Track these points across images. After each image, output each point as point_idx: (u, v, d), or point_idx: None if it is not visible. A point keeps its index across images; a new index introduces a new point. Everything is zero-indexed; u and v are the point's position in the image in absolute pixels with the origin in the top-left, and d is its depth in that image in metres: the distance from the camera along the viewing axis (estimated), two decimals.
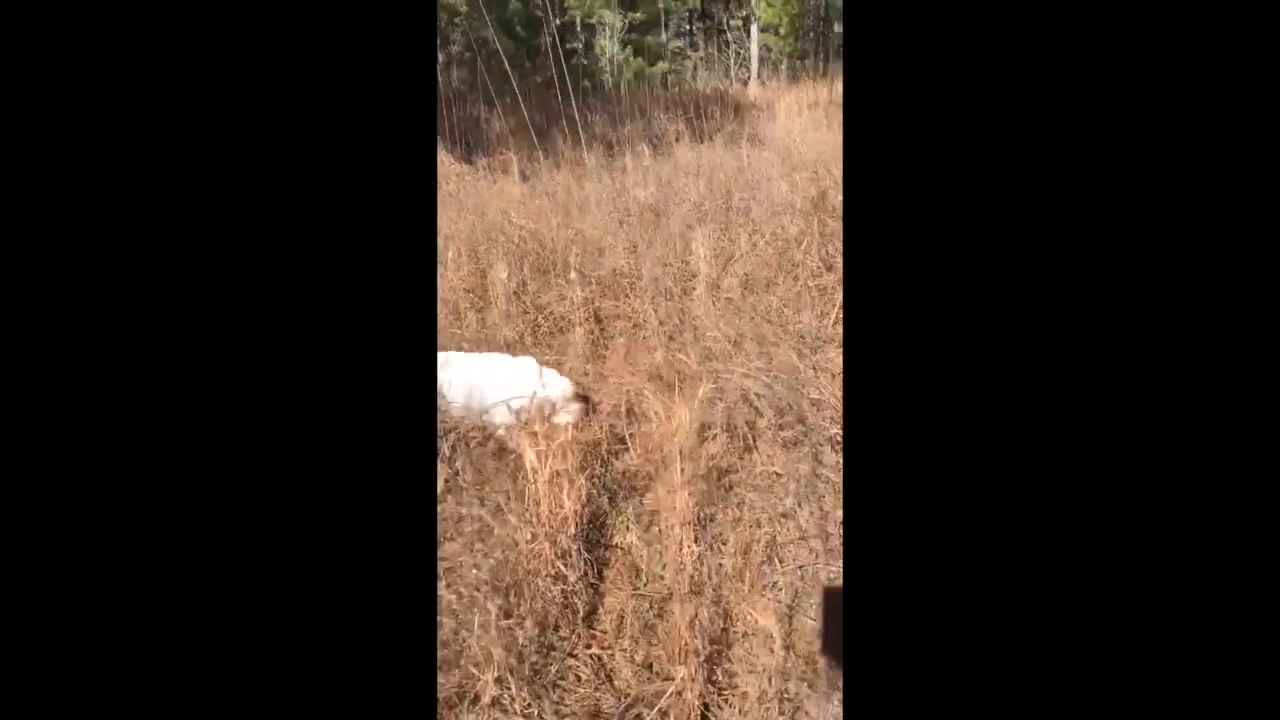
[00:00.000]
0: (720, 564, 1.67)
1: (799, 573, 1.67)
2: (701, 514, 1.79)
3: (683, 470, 1.82)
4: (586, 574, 1.62)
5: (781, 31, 14.98)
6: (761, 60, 13.56)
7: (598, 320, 2.95)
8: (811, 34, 17.60)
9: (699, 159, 5.22)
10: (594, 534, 1.77)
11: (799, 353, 2.59)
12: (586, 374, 2.61)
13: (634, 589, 1.64)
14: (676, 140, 5.90)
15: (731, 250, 3.58)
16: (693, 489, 1.82)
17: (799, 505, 1.87)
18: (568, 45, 8.90)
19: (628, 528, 1.80)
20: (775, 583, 1.64)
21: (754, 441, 2.11)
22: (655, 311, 2.88)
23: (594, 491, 1.90)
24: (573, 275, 3.14)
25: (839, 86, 8.99)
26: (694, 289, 3.18)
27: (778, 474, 2.00)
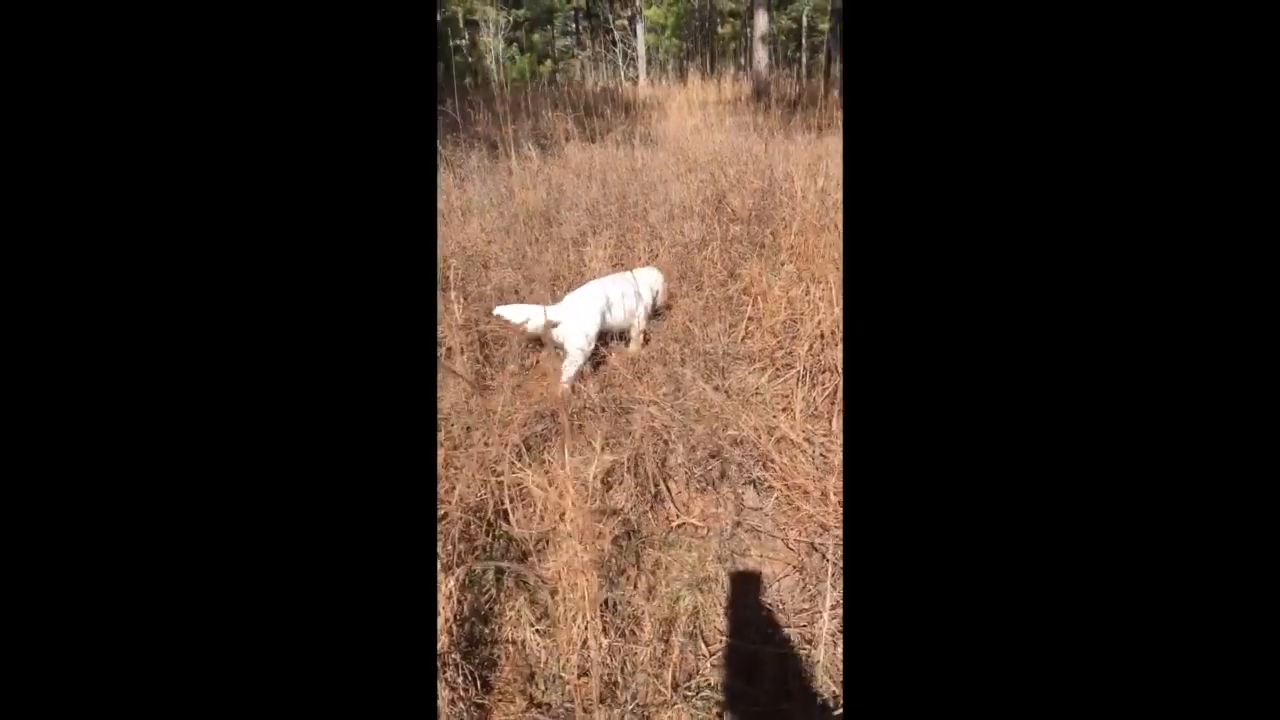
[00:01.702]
0: (635, 654, 1.37)
1: (725, 655, 1.40)
2: (609, 587, 1.48)
3: (583, 535, 1.52)
4: (467, 691, 1.27)
5: (668, 31, 15.00)
6: (649, 59, 13.47)
7: (482, 345, 2.58)
8: (698, 35, 17.81)
9: (591, 160, 4.91)
10: (476, 629, 1.43)
11: (707, 375, 2.33)
12: (470, 410, 2.24)
13: (530, 701, 1.31)
14: (566, 140, 5.57)
15: (630, 260, 3.31)
16: (597, 550, 1.52)
17: (721, 564, 1.61)
18: (449, 41, 8.37)
19: (519, 615, 1.47)
20: (701, 673, 1.35)
21: (665, 486, 1.83)
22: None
23: (476, 571, 1.55)
24: (452, 293, 2.75)
25: (727, 85, 9.00)
26: None
27: (695, 526, 1.72)
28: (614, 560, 1.56)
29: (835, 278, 2.76)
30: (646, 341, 2.67)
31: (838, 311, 2.37)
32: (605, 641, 1.35)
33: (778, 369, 2.38)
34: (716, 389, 2.26)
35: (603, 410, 2.15)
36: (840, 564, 1.52)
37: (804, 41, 19.29)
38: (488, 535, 1.65)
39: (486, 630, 1.44)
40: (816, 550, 1.60)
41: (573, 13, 18.38)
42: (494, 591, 1.52)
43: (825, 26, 17.04)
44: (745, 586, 1.54)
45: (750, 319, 2.69)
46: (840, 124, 4.94)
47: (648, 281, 2.73)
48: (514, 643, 1.42)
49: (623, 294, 2.56)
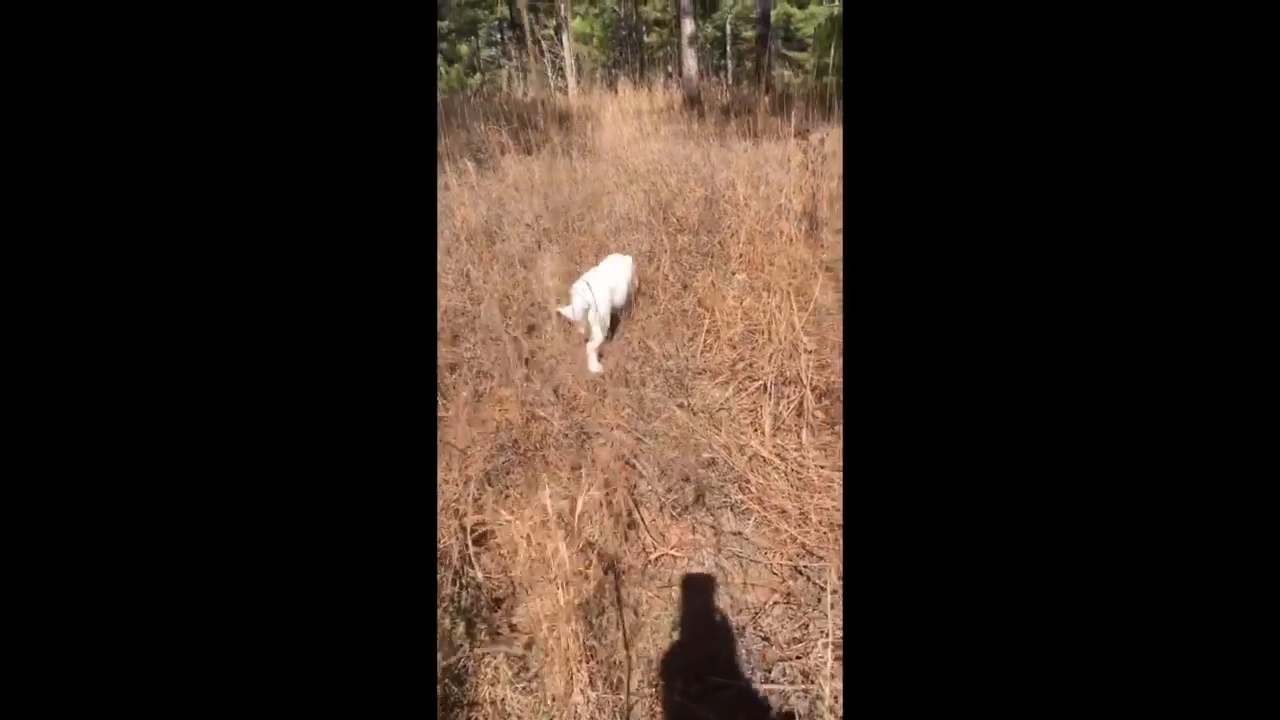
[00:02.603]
0: (625, 705, 1.28)
1: (719, 697, 1.33)
2: (589, 631, 1.39)
3: (555, 576, 1.42)
4: None
5: (595, 40, 14.99)
6: (578, 68, 13.40)
7: None
8: (626, 44, 17.86)
9: (530, 173, 4.80)
10: (450, 689, 1.31)
11: (671, 393, 2.27)
12: None
13: None
14: (502, 153, 5.44)
15: (579, 273, 3.22)
16: (573, 592, 1.42)
17: (707, 594, 1.54)
18: None
19: (496, 672, 1.36)
20: None
21: (639, 514, 1.75)
22: (501, 356, 2.42)
23: (446, 621, 1.44)
24: None
25: (659, 94, 9.01)
26: (543, 324, 2.77)
27: (673, 556, 1.65)
28: (594, 601, 1.47)
29: (788, 285, 2.76)
30: (600, 357, 2.60)
31: (795, 320, 2.35)
32: (594, 695, 1.26)
33: (740, 382, 2.34)
34: (681, 407, 2.20)
35: (565, 437, 2.06)
36: (828, 589, 1.47)
37: (729, 49, 19.61)
38: (454, 585, 1.53)
39: (461, 691, 1.33)
40: (802, 574, 1.55)
41: (497, 23, 18.16)
42: (467, 646, 1.41)
43: (750, 34, 17.39)
44: (733, 619, 1.47)
45: (708, 331, 2.65)
46: (776, 131, 5.00)
47: (629, 265, 2.90)
48: (493, 703, 1.31)
49: (622, 275, 2.77)
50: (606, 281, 2.64)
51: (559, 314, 2.57)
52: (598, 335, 2.55)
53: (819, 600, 1.45)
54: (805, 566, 1.56)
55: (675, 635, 1.44)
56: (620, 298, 2.74)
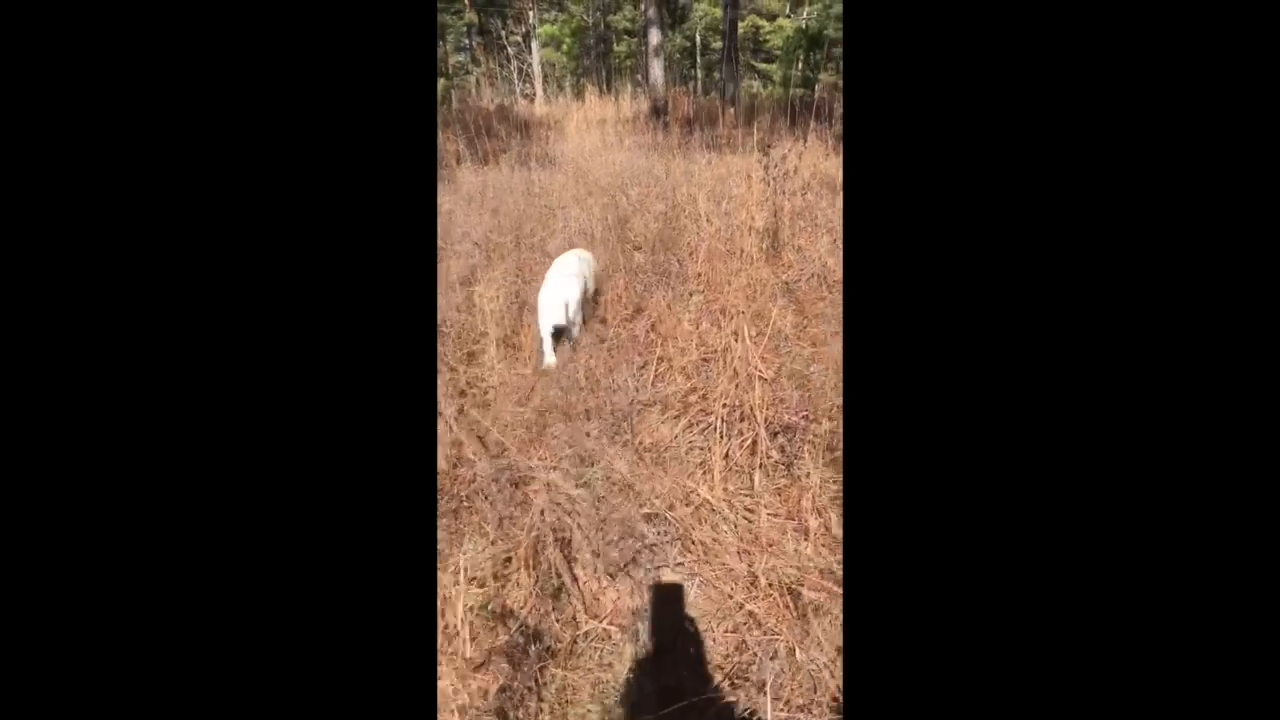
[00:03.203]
0: None
1: None
2: None
3: (470, 650, 1.23)
4: None
5: (564, 48, 14.85)
6: (545, 76, 13.24)
7: None
8: (593, 52, 17.77)
9: (484, 184, 4.60)
10: None
11: (615, 430, 2.09)
12: None
13: None
14: (458, 163, 5.24)
15: (526, 294, 3.03)
16: (489, 675, 1.23)
17: (642, 673, 1.35)
18: None
19: None
20: None
21: (570, 574, 1.56)
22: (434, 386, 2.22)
23: None
24: None
25: (625, 103, 8.89)
26: (483, 351, 2.57)
27: (607, 630, 1.46)
28: (509, 688, 1.27)
29: (747, 307, 2.60)
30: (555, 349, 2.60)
31: (750, 350, 2.19)
32: None
33: (693, 417, 2.17)
34: (625, 445, 2.02)
35: (494, 482, 1.86)
36: (771, 671, 1.30)
37: (698, 59, 19.63)
38: None
39: None
40: (749, 649, 1.37)
41: (465, 29, 17.93)
42: None
43: (718, 45, 17.40)
44: (671, 705, 1.29)
45: (660, 359, 2.48)
46: (741, 144, 4.88)
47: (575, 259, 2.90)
48: None
49: (581, 265, 2.83)
50: (574, 280, 2.66)
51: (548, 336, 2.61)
52: (576, 330, 2.67)
53: (763, 688, 1.28)
54: (753, 640, 1.39)
55: None
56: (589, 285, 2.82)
